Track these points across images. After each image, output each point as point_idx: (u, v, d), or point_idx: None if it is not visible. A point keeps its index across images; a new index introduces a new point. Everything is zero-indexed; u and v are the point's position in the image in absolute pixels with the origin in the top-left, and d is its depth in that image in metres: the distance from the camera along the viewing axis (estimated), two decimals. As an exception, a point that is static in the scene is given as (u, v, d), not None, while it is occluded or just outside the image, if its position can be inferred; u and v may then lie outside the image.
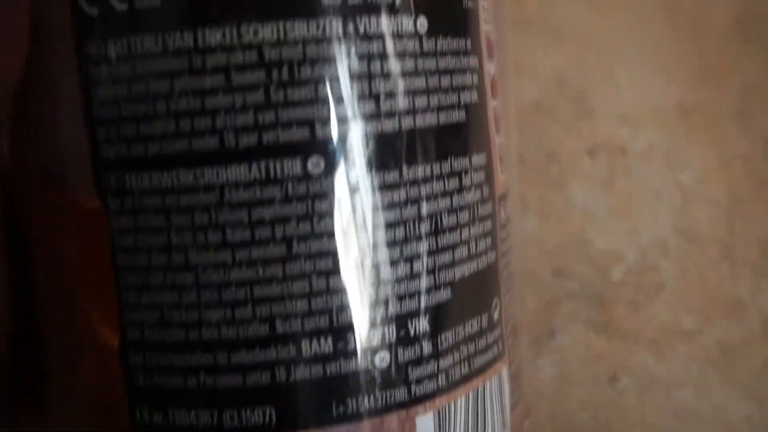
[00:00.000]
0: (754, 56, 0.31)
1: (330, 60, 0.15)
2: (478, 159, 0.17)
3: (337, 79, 0.15)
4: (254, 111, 0.14)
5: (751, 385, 0.30)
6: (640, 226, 0.31)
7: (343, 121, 0.15)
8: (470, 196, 0.17)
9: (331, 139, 0.15)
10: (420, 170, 0.16)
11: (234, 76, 0.14)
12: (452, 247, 0.16)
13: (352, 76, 0.15)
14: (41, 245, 0.16)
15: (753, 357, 0.30)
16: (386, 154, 0.15)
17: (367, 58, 0.15)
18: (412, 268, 0.16)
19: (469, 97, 0.17)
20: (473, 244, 0.17)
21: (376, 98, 0.15)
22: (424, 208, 0.16)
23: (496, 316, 0.18)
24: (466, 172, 0.17)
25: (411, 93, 0.15)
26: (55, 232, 0.16)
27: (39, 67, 0.15)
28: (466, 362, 0.17)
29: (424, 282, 0.16)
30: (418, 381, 0.16)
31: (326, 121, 0.15)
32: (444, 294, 0.16)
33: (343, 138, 0.15)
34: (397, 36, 0.15)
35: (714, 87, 0.31)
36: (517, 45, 0.30)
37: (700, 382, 0.30)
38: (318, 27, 0.15)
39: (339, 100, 0.15)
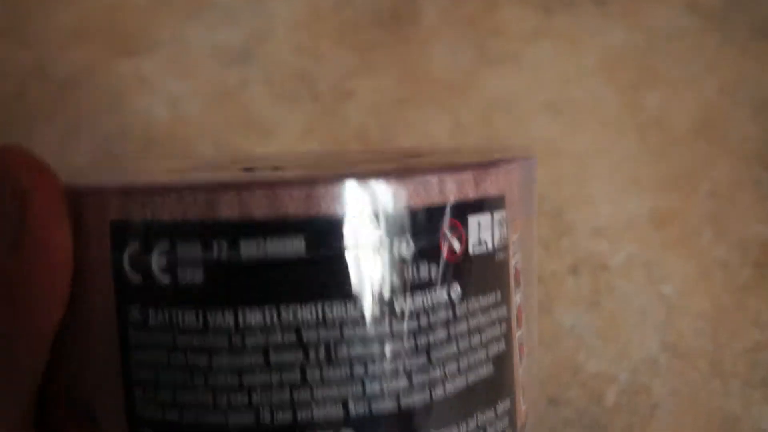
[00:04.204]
0: (720, 158, 0.31)
1: (366, 340, 0.15)
2: (503, 406, 0.17)
3: (372, 358, 0.15)
4: (290, 389, 0.15)
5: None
6: (628, 346, 0.31)
7: (375, 398, 0.15)
8: (494, 444, 0.17)
9: (363, 415, 0.15)
10: (447, 432, 0.16)
11: (272, 355, 0.15)
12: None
13: (387, 356, 0.15)
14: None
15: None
16: (415, 425, 0.15)
17: (402, 336, 0.15)
18: None
19: (497, 347, 0.17)
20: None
21: (408, 375, 0.15)
22: (450, 468, 0.16)
23: None
24: (490, 424, 0.17)
25: (442, 362, 0.16)
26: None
27: (78, 323, 0.16)
28: None
29: None
30: None
31: (359, 399, 0.15)
32: None
33: (375, 414, 0.15)
34: (432, 309, 0.16)
35: (685, 193, 0.31)
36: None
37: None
38: (356, 308, 0.15)
39: (373, 378, 0.15)
